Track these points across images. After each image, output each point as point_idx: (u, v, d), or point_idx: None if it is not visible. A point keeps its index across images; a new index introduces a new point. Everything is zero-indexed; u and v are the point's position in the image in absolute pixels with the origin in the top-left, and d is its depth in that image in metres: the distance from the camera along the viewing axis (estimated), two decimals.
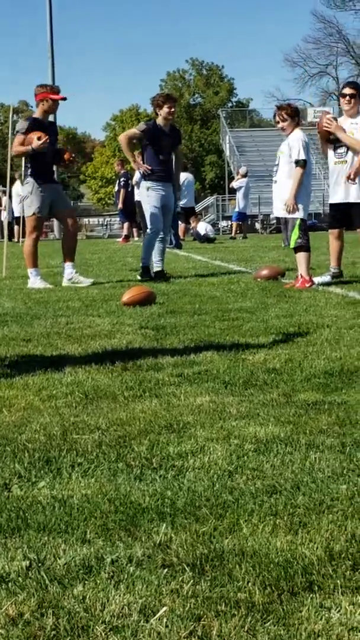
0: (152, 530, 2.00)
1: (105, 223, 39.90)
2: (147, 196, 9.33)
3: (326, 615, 1.58)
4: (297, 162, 7.90)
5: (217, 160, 64.48)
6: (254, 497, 2.19)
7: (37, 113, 9.04)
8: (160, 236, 9.47)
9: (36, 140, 8.53)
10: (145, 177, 9.36)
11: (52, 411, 3.25)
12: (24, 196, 9.09)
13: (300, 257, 7.94)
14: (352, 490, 2.21)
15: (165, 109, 9.25)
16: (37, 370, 4.02)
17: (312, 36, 75.56)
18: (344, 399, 3.28)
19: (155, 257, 9.44)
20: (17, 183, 19.67)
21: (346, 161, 8.27)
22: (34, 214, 8.89)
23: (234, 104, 70.85)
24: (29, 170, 8.84)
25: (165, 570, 1.79)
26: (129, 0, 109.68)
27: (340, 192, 8.35)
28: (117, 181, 22.81)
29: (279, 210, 8.30)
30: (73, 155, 9.56)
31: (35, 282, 8.95)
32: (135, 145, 10.18)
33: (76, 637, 1.54)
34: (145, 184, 9.43)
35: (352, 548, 1.84)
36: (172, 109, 9.27)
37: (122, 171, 22.57)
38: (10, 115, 15.82)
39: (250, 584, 1.70)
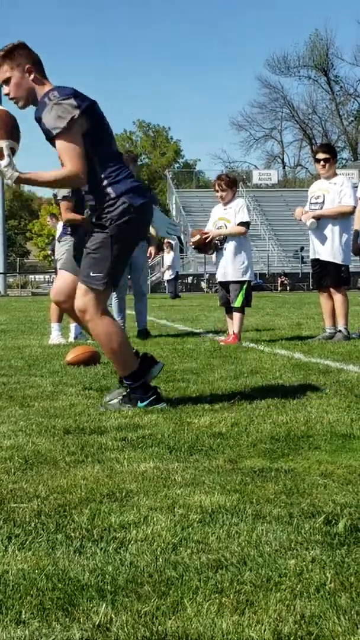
0: (91, 610, 1.89)
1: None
2: None
3: None
4: (244, 224, 8.48)
5: None
6: (198, 573, 2.09)
7: None
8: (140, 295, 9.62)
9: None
10: None
11: None
12: (61, 253, 9.04)
13: (241, 317, 8.52)
14: (300, 565, 2.12)
15: None
16: None
17: (258, 101, 77.78)
18: (290, 466, 3.21)
19: (138, 316, 9.59)
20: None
21: None
22: None
23: (181, 164, 71.85)
24: (68, 229, 8.80)
25: None
26: (80, 62, 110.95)
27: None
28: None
29: (226, 274, 8.56)
30: None
31: (55, 337, 9.14)
32: None
33: None
34: None
35: (301, 631, 1.75)
36: None
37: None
38: None
39: None
